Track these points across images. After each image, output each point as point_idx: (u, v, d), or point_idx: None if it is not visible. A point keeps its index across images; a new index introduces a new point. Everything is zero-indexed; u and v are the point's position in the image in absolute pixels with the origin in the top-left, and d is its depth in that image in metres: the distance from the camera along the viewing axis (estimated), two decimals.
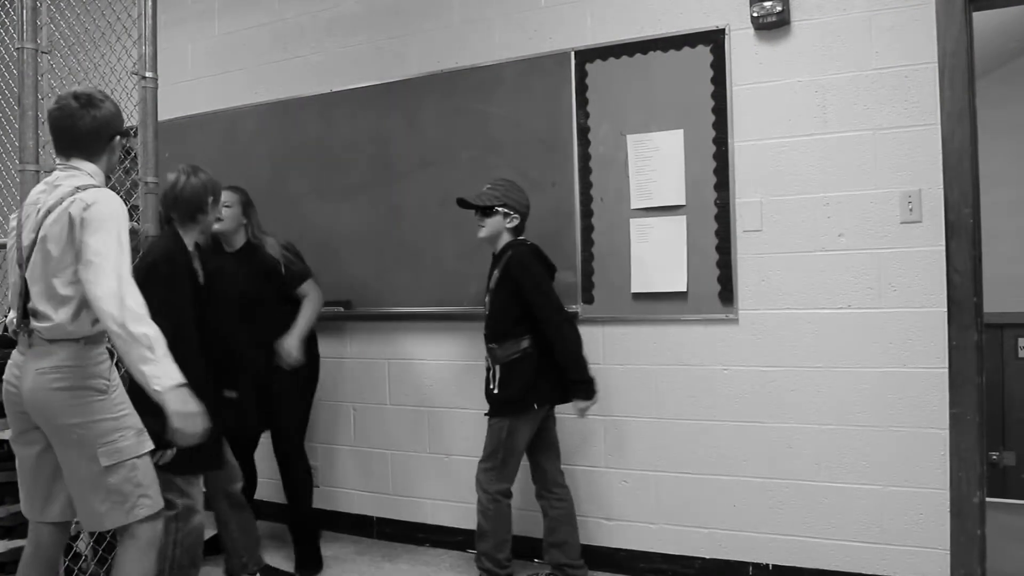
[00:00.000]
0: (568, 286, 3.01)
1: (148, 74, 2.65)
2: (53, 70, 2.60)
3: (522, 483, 2.90)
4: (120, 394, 2.04)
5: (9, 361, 2.04)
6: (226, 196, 3.13)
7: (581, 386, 2.66)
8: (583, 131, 3.00)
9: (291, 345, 3.04)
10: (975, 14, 2.56)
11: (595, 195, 2.99)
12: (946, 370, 2.51)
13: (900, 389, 2.58)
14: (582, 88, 3.00)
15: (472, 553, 3.07)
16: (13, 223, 2.08)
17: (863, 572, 2.62)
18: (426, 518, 3.37)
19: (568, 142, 3.02)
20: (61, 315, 1.93)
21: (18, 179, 2.68)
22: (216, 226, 3.08)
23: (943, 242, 2.51)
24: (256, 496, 3.36)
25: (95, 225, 1.89)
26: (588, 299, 3.00)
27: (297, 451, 3.18)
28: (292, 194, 3.36)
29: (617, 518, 2.99)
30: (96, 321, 1.95)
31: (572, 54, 3.02)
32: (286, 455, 3.17)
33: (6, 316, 2.21)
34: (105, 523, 1.99)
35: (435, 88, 3.28)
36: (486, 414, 2.77)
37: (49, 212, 1.94)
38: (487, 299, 2.78)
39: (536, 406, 2.68)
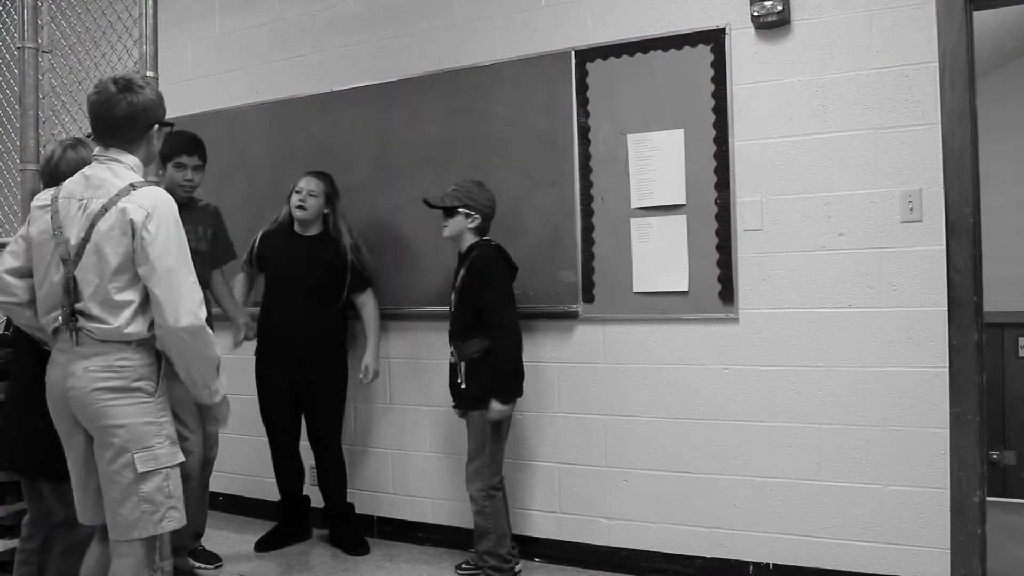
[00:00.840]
0: (568, 286, 3.02)
1: (149, 73, 2.63)
2: (54, 69, 2.60)
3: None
4: (164, 400, 2.00)
5: (50, 361, 1.98)
6: (312, 184, 3.18)
7: (502, 391, 2.72)
8: (583, 130, 3.00)
9: (371, 363, 3.23)
10: (975, 13, 2.56)
11: (595, 194, 2.99)
12: (946, 369, 2.51)
13: (900, 389, 2.58)
14: (582, 88, 3.00)
15: (473, 552, 3.07)
16: (44, 217, 1.96)
17: (863, 571, 2.62)
18: (426, 518, 3.36)
19: (568, 142, 3.02)
20: (118, 319, 1.89)
21: (19, 179, 2.69)
22: (298, 214, 3.14)
23: (943, 242, 2.51)
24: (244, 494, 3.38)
25: (162, 236, 1.88)
26: (588, 298, 3.00)
27: (336, 443, 3.28)
28: None
29: (617, 518, 2.98)
30: (151, 326, 1.93)
31: (572, 54, 3.02)
32: (326, 447, 3.26)
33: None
34: (133, 532, 1.92)
35: (435, 88, 3.28)
36: (454, 406, 2.90)
37: (105, 211, 1.88)
38: (453, 298, 2.85)
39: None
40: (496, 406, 2.71)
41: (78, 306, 1.90)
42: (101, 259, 1.88)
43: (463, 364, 2.78)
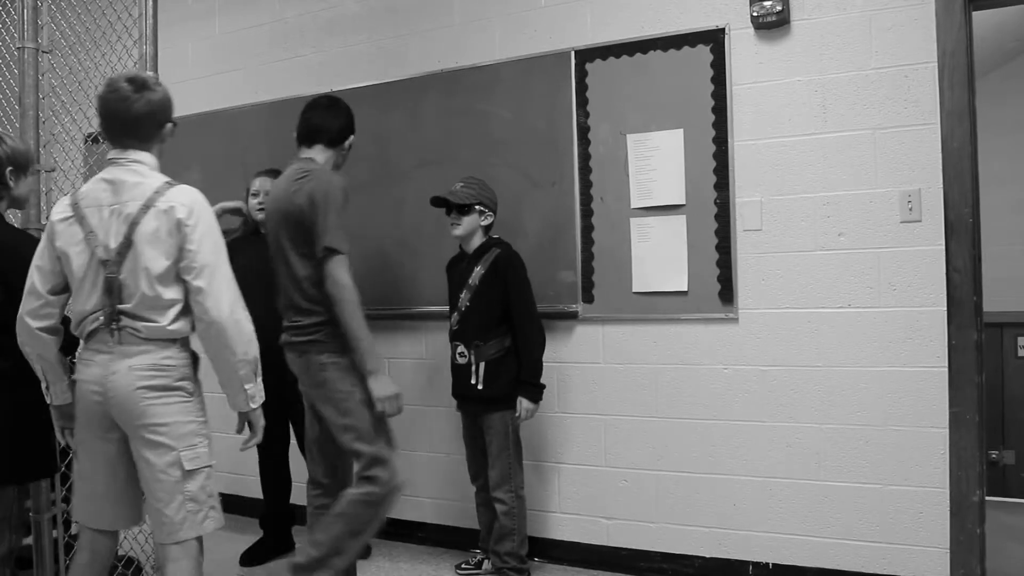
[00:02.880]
0: (568, 286, 3.02)
1: (148, 74, 2.64)
2: (54, 69, 2.60)
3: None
4: (201, 400, 2.01)
5: (84, 362, 1.95)
6: (268, 184, 3.11)
7: (531, 388, 2.75)
8: (583, 131, 3.01)
9: None
10: (975, 13, 2.57)
11: (595, 195, 2.99)
12: (946, 369, 2.52)
13: (900, 388, 2.58)
14: (582, 88, 3.00)
15: (473, 552, 3.08)
16: (71, 229, 1.92)
17: (862, 571, 2.62)
18: (426, 518, 3.37)
19: (568, 142, 3.02)
20: (165, 317, 1.91)
21: None
22: (260, 216, 3.07)
23: (943, 241, 2.52)
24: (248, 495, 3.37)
25: (200, 230, 1.90)
26: (588, 299, 3.00)
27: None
28: None
29: (617, 518, 2.99)
30: (193, 325, 1.95)
31: (572, 54, 3.02)
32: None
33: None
34: (180, 534, 1.91)
35: (435, 88, 3.28)
36: (458, 407, 2.90)
37: (146, 210, 1.88)
38: (466, 296, 2.80)
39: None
40: (527, 404, 2.73)
41: (122, 307, 1.89)
42: (148, 260, 1.88)
43: (482, 365, 2.76)
